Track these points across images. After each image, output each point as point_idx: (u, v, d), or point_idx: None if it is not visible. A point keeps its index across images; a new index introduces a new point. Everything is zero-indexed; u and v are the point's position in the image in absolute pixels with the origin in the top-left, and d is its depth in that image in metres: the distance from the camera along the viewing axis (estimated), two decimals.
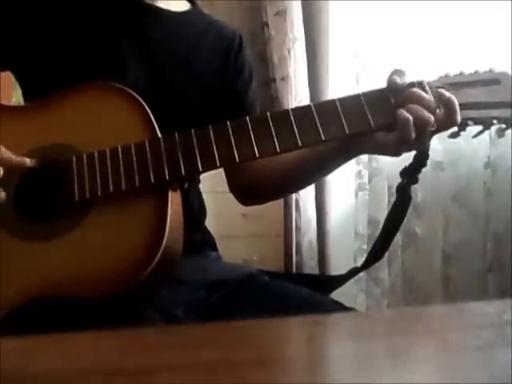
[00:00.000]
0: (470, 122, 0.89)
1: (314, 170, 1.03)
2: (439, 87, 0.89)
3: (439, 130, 0.87)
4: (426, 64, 2.07)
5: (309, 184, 1.15)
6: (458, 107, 0.85)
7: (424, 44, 2.14)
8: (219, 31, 1.11)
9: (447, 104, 0.85)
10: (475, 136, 0.93)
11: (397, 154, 0.90)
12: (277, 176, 1.05)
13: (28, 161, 0.87)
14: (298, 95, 2.40)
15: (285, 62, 2.40)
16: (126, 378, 0.34)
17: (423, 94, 0.86)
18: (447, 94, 0.86)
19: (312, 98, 2.39)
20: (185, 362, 0.37)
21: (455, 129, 0.90)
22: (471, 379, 0.34)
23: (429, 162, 0.97)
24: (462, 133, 0.90)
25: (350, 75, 2.33)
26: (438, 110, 0.85)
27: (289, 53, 2.40)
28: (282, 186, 1.09)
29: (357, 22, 2.31)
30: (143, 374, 0.34)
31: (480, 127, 0.91)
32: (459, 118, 0.86)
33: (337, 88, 2.36)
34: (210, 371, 0.35)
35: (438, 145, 2.00)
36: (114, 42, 0.98)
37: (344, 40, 2.36)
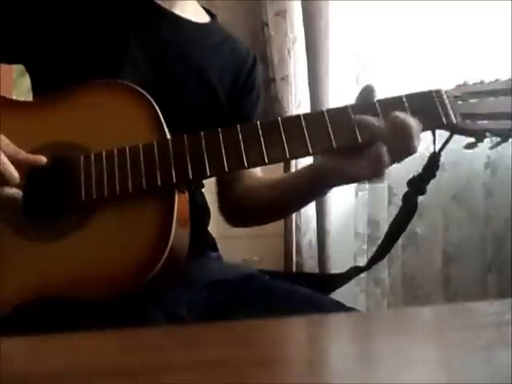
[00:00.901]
0: (487, 134, 0.87)
1: (293, 199, 1.04)
2: (457, 97, 0.87)
3: (395, 158, 0.86)
4: (426, 63, 2.07)
5: (291, 211, 1.17)
6: (412, 133, 0.83)
7: (424, 44, 2.14)
8: (234, 48, 1.12)
9: (400, 130, 0.84)
10: (492, 148, 0.91)
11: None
12: (259, 200, 1.07)
13: (43, 158, 0.86)
14: (298, 95, 2.40)
15: (285, 62, 2.40)
16: (127, 377, 0.34)
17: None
18: (400, 117, 0.84)
19: (312, 98, 2.38)
20: (186, 361, 0.37)
21: (472, 139, 0.88)
22: (471, 379, 0.34)
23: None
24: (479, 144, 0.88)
25: (350, 75, 2.32)
26: (391, 137, 0.83)
27: (289, 53, 2.40)
28: (263, 211, 1.09)
29: (357, 22, 2.30)
30: (145, 374, 0.34)
31: (498, 138, 0.89)
32: (416, 146, 0.84)
33: (337, 88, 2.36)
34: (211, 371, 0.35)
35: (438, 145, 2.00)
36: (125, 42, 0.98)
37: (344, 40, 2.36)
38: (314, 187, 0.97)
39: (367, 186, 2.30)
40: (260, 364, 0.36)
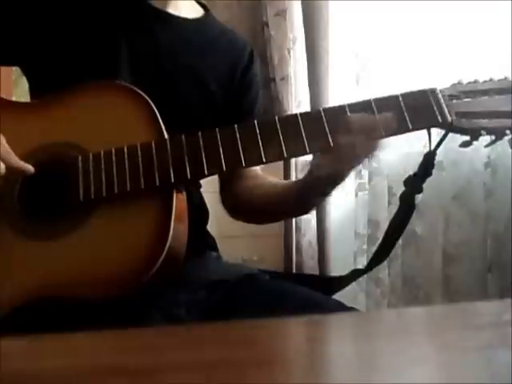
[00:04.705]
0: (482, 132, 0.87)
1: (294, 203, 1.04)
2: (452, 96, 0.88)
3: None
4: (426, 63, 2.07)
5: (290, 216, 1.18)
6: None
7: (424, 43, 2.14)
8: (230, 42, 1.11)
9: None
10: (487, 146, 0.92)
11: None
12: (260, 201, 1.08)
13: (31, 168, 0.86)
14: (298, 95, 2.40)
15: (285, 62, 2.40)
16: (126, 378, 0.34)
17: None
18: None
19: (312, 98, 2.38)
20: (186, 361, 0.37)
21: (467, 138, 0.89)
22: (471, 379, 0.34)
23: None
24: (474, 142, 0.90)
25: (350, 75, 2.32)
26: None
27: (289, 53, 2.39)
28: (265, 212, 1.10)
29: (357, 22, 2.30)
30: (144, 374, 0.34)
31: (493, 137, 0.90)
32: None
33: (337, 88, 2.36)
34: (211, 371, 0.34)
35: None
36: (118, 43, 0.98)
37: (344, 40, 2.36)
38: (307, 191, 0.97)
39: (367, 185, 2.30)
40: (260, 364, 0.36)
